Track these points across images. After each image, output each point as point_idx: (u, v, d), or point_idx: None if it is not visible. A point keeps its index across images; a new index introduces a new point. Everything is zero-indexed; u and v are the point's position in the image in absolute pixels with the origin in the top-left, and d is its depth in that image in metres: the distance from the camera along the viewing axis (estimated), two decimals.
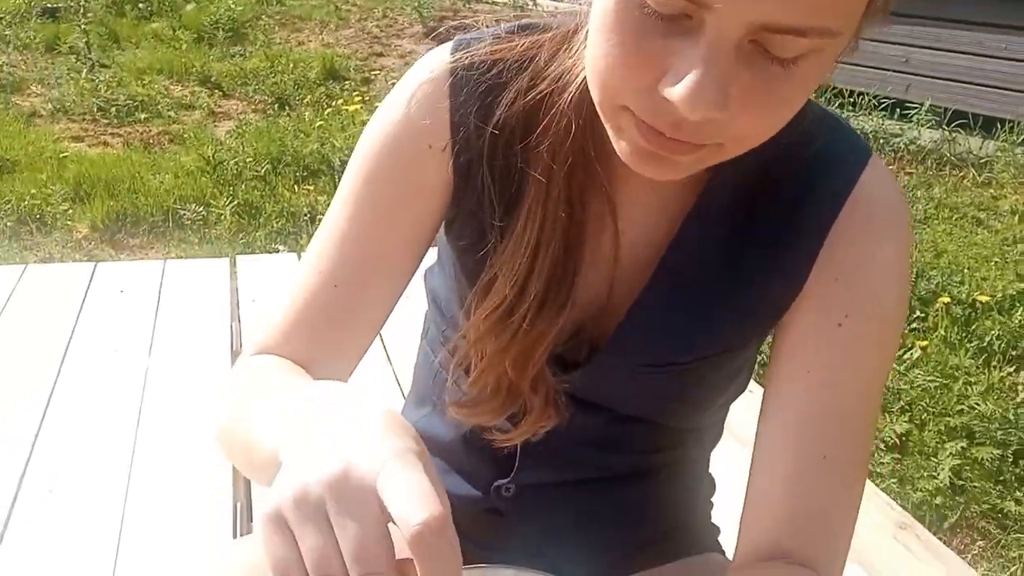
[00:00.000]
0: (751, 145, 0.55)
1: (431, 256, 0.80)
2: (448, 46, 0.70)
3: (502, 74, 0.67)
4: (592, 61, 0.54)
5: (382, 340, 2.23)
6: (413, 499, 0.41)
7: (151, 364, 2.04)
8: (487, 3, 7.93)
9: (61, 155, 4.28)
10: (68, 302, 2.26)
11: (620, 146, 0.56)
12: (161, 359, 2.04)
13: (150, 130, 4.86)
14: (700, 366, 0.72)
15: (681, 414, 0.77)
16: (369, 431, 0.45)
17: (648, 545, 0.84)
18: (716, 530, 0.91)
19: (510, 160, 0.67)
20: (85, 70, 5.55)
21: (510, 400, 0.71)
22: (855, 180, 0.66)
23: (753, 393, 0.79)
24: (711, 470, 0.91)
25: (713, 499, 0.93)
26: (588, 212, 0.67)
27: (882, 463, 2.21)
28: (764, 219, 0.67)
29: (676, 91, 0.48)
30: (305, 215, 3.73)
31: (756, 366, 0.79)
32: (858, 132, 0.71)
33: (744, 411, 0.78)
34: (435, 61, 0.69)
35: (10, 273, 2.40)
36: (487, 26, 0.71)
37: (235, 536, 1.52)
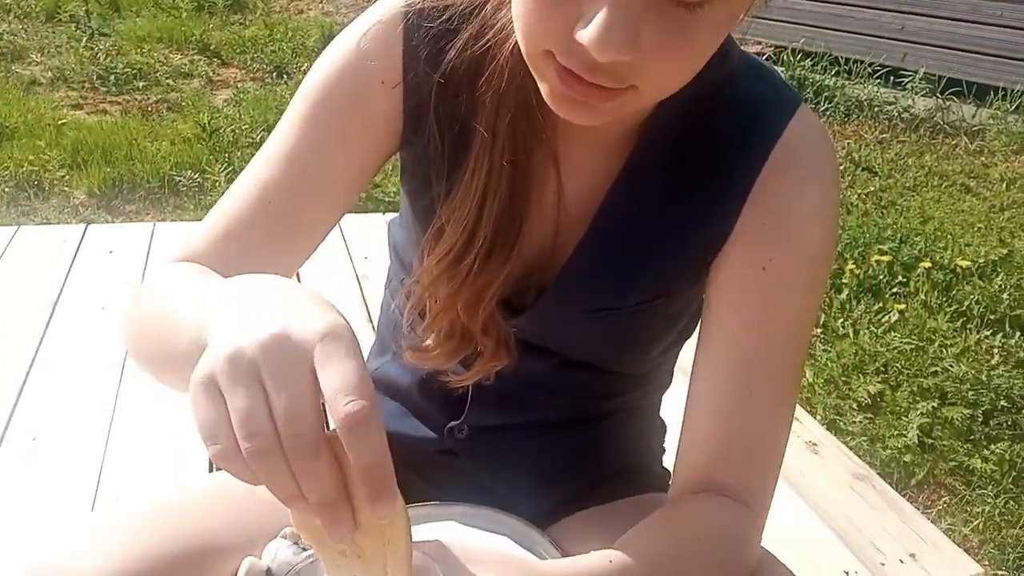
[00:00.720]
0: (669, 90, 0.58)
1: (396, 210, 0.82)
2: None
3: (452, 20, 0.70)
4: (515, 8, 0.57)
5: (364, 301, 2.28)
6: (347, 382, 0.43)
7: None
8: None
9: (59, 122, 4.29)
10: (58, 262, 2.30)
11: (544, 91, 0.60)
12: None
13: (148, 98, 4.86)
14: (640, 310, 0.75)
15: (625, 359, 0.81)
16: (303, 304, 0.47)
17: (596, 486, 0.87)
18: (667, 473, 0.94)
19: (457, 108, 0.70)
20: (85, 38, 5.53)
21: (463, 343, 0.75)
22: (782, 128, 0.69)
23: None
24: (663, 413, 0.94)
25: (665, 444, 0.96)
26: (532, 161, 0.70)
27: (854, 422, 2.25)
28: (696, 166, 0.71)
29: (586, 34, 0.51)
30: None
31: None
32: (787, 81, 0.75)
33: None
34: (390, 3, 0.72)
35: (2, 233, 2.45)
36: None
37: None
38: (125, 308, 0.72)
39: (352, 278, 2.35)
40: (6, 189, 3.57)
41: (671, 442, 0.91)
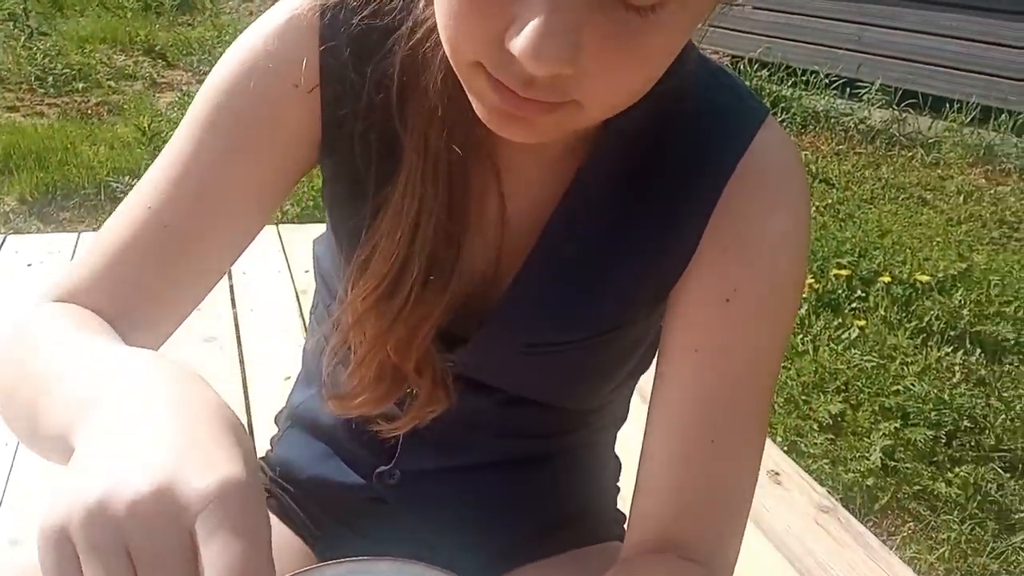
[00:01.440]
0: (618, 105, 0.49)
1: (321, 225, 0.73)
2: None
3: (378, 18, 0.60)
4: (439, 14, 0.48)
5: (303, 319, 2.16)
6: (232, 572, 0.35)
7: None
8: None
9: None
10: None
11: (476, 106, 0.51)
12: None
13: (88, 100, 4.72)
14: (589, 344, 0.67)
15: (574, 395, 0.72)
16: (193, 441, 0.38)
17: (542, 535, 0.80)
18: (621, 516, 0.86)
19: (386, 117, 0.61)
20: (23, 38, 5.37)
21: (395, 386, 0.65)
22: (747, 143, 0.61)
23: None
24: (618, 449, 0.86)
25: (620, 482, 0.88)
26: (471, 177, 0.61)
27: (815, 444, 2.19)
28: (651, 186, 0.63)
29: (518, 43, 0.42)
30: None
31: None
32: (753, 92, 0.66)
33: None
34: None
35: None
36: None
37: None
38: None
39: (291, 294, 2.24)
40: None
41: (626, 480, 0.83)
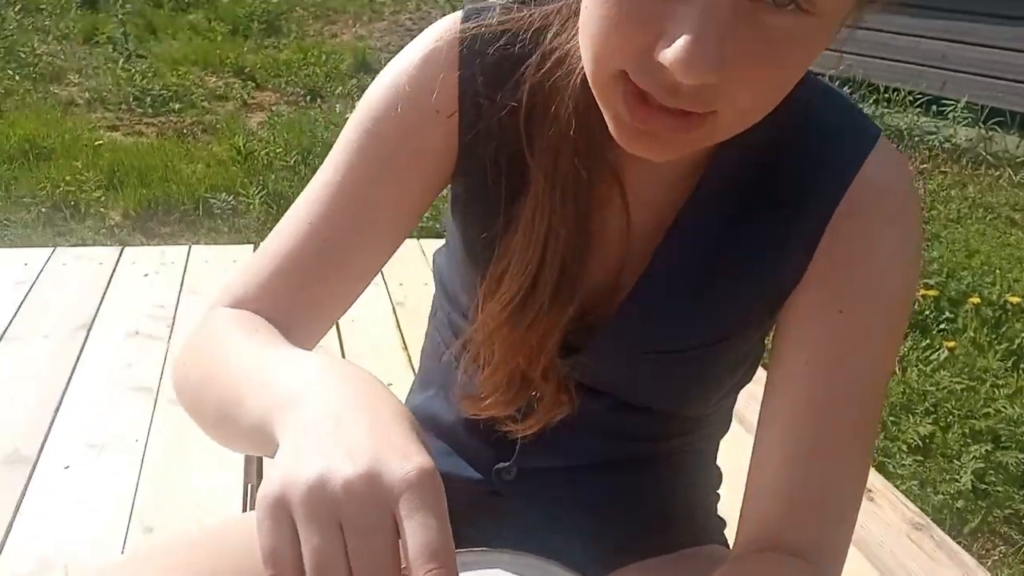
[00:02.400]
0: (751, 118, 0.54)
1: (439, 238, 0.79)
2: (459, 14, 0.68)
3: (511, 47, 0.66)
4: (587, 27, 0.53)
5: (400, 329, 2.25)
6: (432, 546, 0.41)
7: (171, 346, 2.08)
8: None
9: (96, 143, 4.35)
10: (94, 284, 2.30)
11: (610, 122, 0.55)
12: (181, 342, 2.08)
13: (184, 120, 4.93)
14: (701, 353, 0.71)
15: (683, 402, 0.76)
16: (390, 435, 0.45)
17: (648, 534, 0.83)
18: (721, 523, 0.90)
19: (517, 140, 0.66)
20: (122, 60, 5.64)
21: (523, 390, 0.71)
22: (860, 163, 0.64)
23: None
24: (719, 461, 0.90)
25: (720, 491, 0.92)
26: (596, 196, 0.66)
27: (903, 465, 2.17)
28: (766, 202, 0.66)
29: (670, 54, 0.47)
30: None
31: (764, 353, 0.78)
32: (866, 114, 0.70)
33: (757, 400, 0.78)
34: (446, 28, 0.68)
35: (39, 255, 2.46)
36: None
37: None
38: (179, 358, 0.69)
39: (388, 305, 2.33)
40: (43, 209, 3.60)
41: (728, 491, 0.88)
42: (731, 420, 0.86)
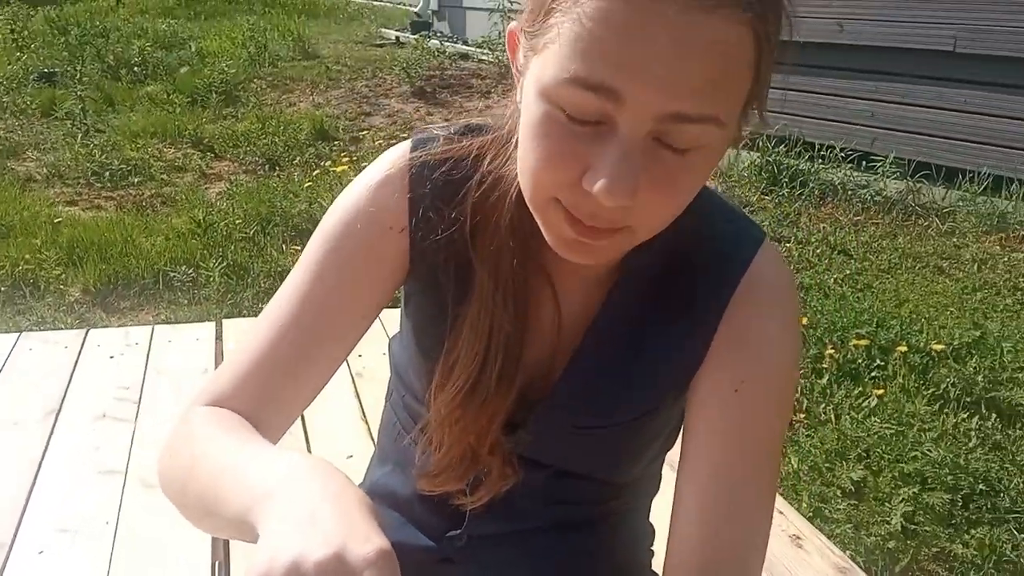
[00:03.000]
0: (658, 227, 0.66)
1: (395, 326, 0.89)
2: (407, 144, 0.81)
3: (453, 171, 0.78)
4: (524, 162, 0.65)
5: (359, 397, 2.34)
6: None
7: (137, 428, 2.13)
8: (472, 60, 8.14)
9: (55, 220, 4.40)
10: (60, 368, 2.36)
11: (549, 237, 0.68)
12: (148, 423, 2.14)
13: (143, 193, 4.98)
14: (624, 428, 0.82)
15: (613, 470, 0.87)
16: (354, 523, 0.54)
17: None
18: None
19: (463, 249, 0.78)
20: (80, 135, 5.68)
21: (473, 466, 0.81)
22: (748, 263, 0.78)
23: None
24: (651, 519, 1.00)
25: (654, 547, 1.01)
26: (531, 292, 0.78)
27: (838, 509, 2.30)
28: (672, 296, 0.79)
29: (596, 186, 0.60)
30: None
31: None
32: (752, 219, 0.84)
33: None
34: (397, 157, 0.80)
35: (5, 341, 2.51)
36: (439, 129, 0.82)
37: None
38: (162, 456, 0.78)
39: (347, 376, 2.42)
40: (2, 289, 3.64)
41: (662, 546, 0.95)
42: (660, 480, 0.96)
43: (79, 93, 6.13)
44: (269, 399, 0.79)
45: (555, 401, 0.81)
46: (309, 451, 2.03)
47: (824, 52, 4.93)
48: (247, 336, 0.81)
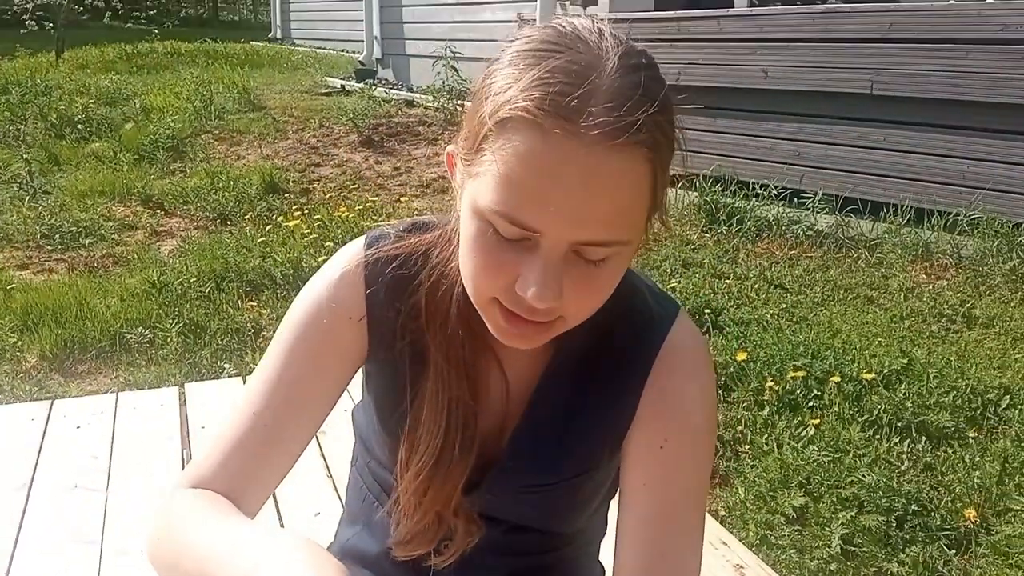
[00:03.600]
0: (584, 317, 0.79)
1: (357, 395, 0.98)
2: (361, 242, 0.92)
3: (404, 266, 0.90)
4: (464, 268, 0.78)
5: (323, 455, 2.42)
6: None
7: (109, 497, 2.18)
8: (419, 107, 8.29)
9: (8, 286, 4.38)
10: (28, 441, 2.40)
11: (491, 326, 0.80)
12: (119, 491, 2.20)
13: (94, 254, 4.97)
14: (566, 485, 0.93)
15: (561, 522, 0.98)
16: None
17: None
18: None
19: (418, 335, 0.89)
20: (28, 197, 5.66)
21: (441, 528, 0.92)
22: (666, 333, 0.90)
23: None
24: (601, 558, 1.11)
25: None
26: (482, 370, 0.90)
27: (783, 535, 2.44)
28: (602, 367, 0.91)
29: (528, 292, 0.72)
30: (249, 331, 3.86)
31: None
32: (667, 294, 0.97)
33: None
34: (351, 254, 0.91)
35: None
36: (390, 227, 0.94)
37: None
38: (151, 536, 0.86)
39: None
40: None
41: None
42: (607, 525, 1.06)
43: (23, 156, 6.11)
44: (246, 479, 0.88)
45: (505, 464, 0.92)
46: (277, 509, 2.11)
47: (752, 97, 5.19)
48: (225, 419, 0.90)
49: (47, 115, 7.72)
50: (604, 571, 1.13)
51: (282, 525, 2.05)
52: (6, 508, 2.12)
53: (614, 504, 0.95)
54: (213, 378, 3.43)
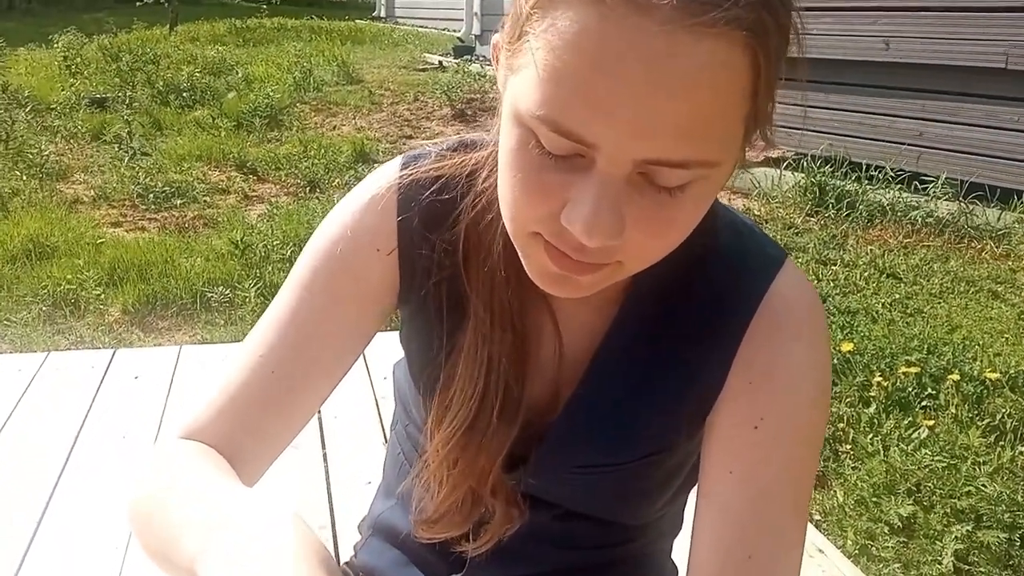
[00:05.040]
0: (651, 261, 0.60)
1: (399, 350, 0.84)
2: (397, 162, 0.76)
3: (445, 190, 0.73)
4: (501, 193, 0.60)
5: (382, 423, 2.29)
6: None
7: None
8: None
9: (98, 241, 4.46)
10: (85, 388, 2.36)
11: (529, 269, 0.62)
12: (135, 472, 2.12)
13: (185, 215, 5.05)
14: (632, 468, 0.75)
15: (624, 512, 0.80)
16: (298, 568, 0.51)
17: None
18: None
19: (456, 275, 0.72)
20: (127, 158, 5.80)
21: (475, 509, 0.75)
22: (767, 285, 0.70)
23: None
24: (676, 556, 0.92)
25: None
26: (531, 323, 0.72)
27: (886, 547, 2.18)
28: (683, 324, 0.71)
29: (574, 223, 0.54)
30: None
31: None
32: (771, 238, 0.76)
33: None
34: (385, 175, 0.75)
35: (33, 360, 2.52)
36: (432, 145, 0.78)
37: None
38: (131, 495, 0.73)
39: (371, 401, 2.37)
40: (43, 308, 3.68)
41: None
42: (682, 520, 0.89)
43: (126, 117, 6.26)
44: (244, 433, 0.73)
45: (557, 437, 0.74)
46: (327, 479, 1.98)
47: (870, 70, 4.81)
48: (228, 364, 0.76)
49: (154, 83, 7.94)
50: (676, 570, 0.94)
51: (329, 493, 1.91)
52: (51, 453, 2.07)
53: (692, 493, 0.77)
54: None
